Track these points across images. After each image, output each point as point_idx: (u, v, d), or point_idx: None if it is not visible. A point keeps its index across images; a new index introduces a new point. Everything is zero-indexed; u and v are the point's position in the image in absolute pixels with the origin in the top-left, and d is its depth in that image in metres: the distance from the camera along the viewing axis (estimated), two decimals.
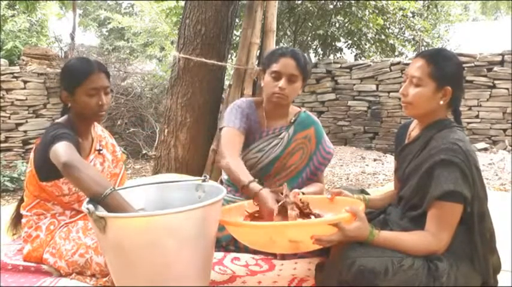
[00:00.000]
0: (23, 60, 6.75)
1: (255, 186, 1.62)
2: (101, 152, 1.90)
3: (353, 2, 7.23)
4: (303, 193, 1.77)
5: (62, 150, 1.50)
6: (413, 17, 8.48)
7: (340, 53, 8.38)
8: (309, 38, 8.17)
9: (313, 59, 8.60)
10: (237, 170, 1.74)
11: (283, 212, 1.52)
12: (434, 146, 1.46)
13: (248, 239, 1.53)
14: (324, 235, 1.34)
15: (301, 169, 2.07)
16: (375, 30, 7.60)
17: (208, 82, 3.31)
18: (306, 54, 2.18)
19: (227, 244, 1.93)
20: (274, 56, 1.98)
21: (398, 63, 6.81)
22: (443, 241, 1.40)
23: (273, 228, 1.40)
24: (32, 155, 1.77)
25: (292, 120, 2.09)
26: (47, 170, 1.65)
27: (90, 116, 1.75)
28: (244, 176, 1.69)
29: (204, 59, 3.21)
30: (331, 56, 8.29)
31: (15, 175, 5.03)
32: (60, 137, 1.55)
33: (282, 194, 1.56)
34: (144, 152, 6.39)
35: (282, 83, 1.92)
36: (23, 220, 1.84)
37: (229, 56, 4.21)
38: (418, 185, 1.48)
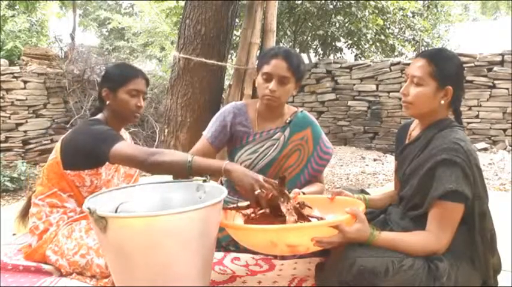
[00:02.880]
0: (23, 60, 6.76)
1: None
2: None
3: (353, 2, 7.24)
4: (304, 193, 1.77)
5: (130, 151, 1.61)
6: (413, 17, 8.49)
7: (340, 53, 8.39)
8: (309, 38, 8.18)
9: (313, 59, 8.61)
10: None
11: (281, 217, 1.53)
12: (436, 145, 1.46)
13: (248, 242, 1.53)
14: (324, 236, 1.34)
15: (299, 172, 2.02)
16: (375, 31, 7.61)
17: (208, 82, 3.31)
18: (300, 54, 2.13)
19: (227, 244, 1.93)
20: (266, 57, 1.95)
21: (398, 63, 6.82)
22: (444, 241, 1.40)
23: (274, 232, 1.39)
24: (59, 143, 1.81)
25: (287, 121, 2.03)
26: (74, 159, 1.76)
27: (127, 115, 1.86)
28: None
29: (204, 59, 3.22)
30: (331, 56, 8.30)
31: (15, 175, 5.03)
32: (114, 139, 1.66)
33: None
34: None
35: (272, 85, 1.88)
36: (33, 210, 1.83)
37: (229, 56, 4.22)
38: (419, 185, 1.48)
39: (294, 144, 2.01)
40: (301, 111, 2.08)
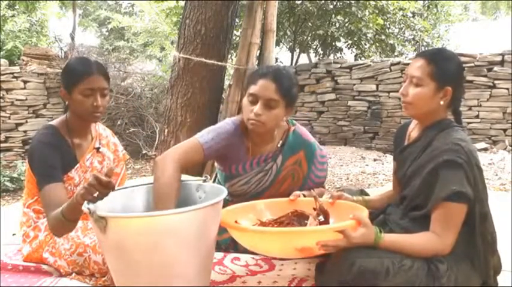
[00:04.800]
0: (23, 60, 6.76)
1: None
2: (100, 150, 1.90)
3: (353, 2, 7.23)
4: (304, 195, 1.76)
5: (45, 203, 1.62)
6: (413, 17, 8.47)
7: (340, 53, 8.38)
8: (309, 38, 8.17)
9: (313, 59, 8.61)
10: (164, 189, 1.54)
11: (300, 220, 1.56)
12: (437, 146, 1.46)
13: (253, 245, 1.52)
14: (329, 240, 1.34)
15: None
16: (375, 30, 7.60)
17: (208, 82, 3.31)
18: (295, 75, 1.92)
19: (226, 247, 1.90)
20: (253, 76, 1.76)
21: (398, 63, 6.81)
22: (449, 242, 1.40)
23: (281, 234, 1.40)
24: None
25: (279, 145, 1.87)
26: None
27: (85, 115, 1.75)
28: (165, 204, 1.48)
29: (204, 59, 3.22)
30: (331, 56, 8.29)
31: (15, 175, 5.03)
32: (45, 179, 1.64)
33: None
34: (144, 152, 6.39)
35: (257, 108, 1.68)
36: (23, 219, 1.84)
37: (229, 56, 4.22)
38: (421, 186, 1.47)
39: (288, 170, 1.88)
40: (294, 131, 1.90)
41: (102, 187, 1.28)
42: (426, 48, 8.17)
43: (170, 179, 1.56)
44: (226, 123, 1.86)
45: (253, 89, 1.72)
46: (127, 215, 1.37)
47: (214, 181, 2.12)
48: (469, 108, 6.35)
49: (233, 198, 1.94)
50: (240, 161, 1.86)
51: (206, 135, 1.78)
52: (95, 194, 1.29)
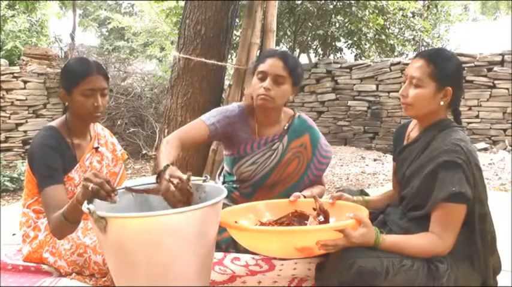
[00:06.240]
0: (23, 60, 6.76)
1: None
2: (99, 149, 1.90)
3: (353, 2, 7.23)
4: (304, 196, 1.76)
5: (46, 205, 1.62)
6: (413, 17, 8.48)
7: (340, 53, 8.39)
8: (309, 38, 8.18)
9: (313, 59, 8.62)
10: (163, 153, 1.65)
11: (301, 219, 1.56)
12: (436, 147, 1.45)
13: (253, 244, 1.52)
14: (329, 240, 1.34)
15: (299, 179, 1.98)
16: (375, 30, 7.60)
17: (208, 82, 3.31)
18: (298, 58, 2.07)
19: (227, 247, 1.90)
20: (261, 57, 1.91)
21: (398, 63, 6.82)
22: (449, 242, 1.40)
23: (281, 234, 1.40)
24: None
25: (285, 127, 1.98)
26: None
27: (85, 116, 1.75)
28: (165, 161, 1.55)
29: (204, 59, 3.22)
30: (331, 56, 8.30)
31: (15, 175, 5.03)
32: (47, 181, 1.64)
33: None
34: (144, 152, 6.39)
35: (267, 83, 1.82)
36: (23, 219, 1.84)
37: (229, 56, 4.22)
38: (420, 187, 1.47)
39: (293, 152, 1.96)
40: (299, 116, 2.03)
41: (99, 179, 1.30)
42: (426, 48, 8.17)
43: (168, 143, 1.73)
44: (231, 105, 2.01)
45: (262, 67, 1.86)
46: (127, 215, 1.37)
47: (220, 173, 2.18)
48: (469, 108, 6.36)
49: (239, 184, 2.00)
50: (247, 141, 1.95)
51: (209, 114, 1.93)
52: (90, 187, 1.29)
